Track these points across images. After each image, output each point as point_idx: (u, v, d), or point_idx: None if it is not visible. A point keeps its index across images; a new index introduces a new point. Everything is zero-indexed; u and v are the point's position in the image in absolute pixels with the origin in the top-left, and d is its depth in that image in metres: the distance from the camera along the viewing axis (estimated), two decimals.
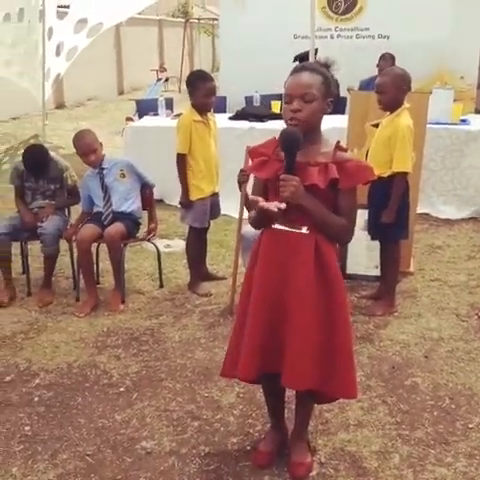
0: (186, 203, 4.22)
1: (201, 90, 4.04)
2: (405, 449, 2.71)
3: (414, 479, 2.53)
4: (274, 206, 2.15)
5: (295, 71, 2.26)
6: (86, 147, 4.16)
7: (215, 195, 4.33)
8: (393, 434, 2.81)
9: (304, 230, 2.28)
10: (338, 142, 2.32)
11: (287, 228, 2.30)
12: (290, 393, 2.94)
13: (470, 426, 2.87)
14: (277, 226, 2.31)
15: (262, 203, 2.20)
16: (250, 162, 2.45)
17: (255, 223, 2.42)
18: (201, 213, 4.25)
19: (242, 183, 3.74)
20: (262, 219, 2.32)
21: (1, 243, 4.20)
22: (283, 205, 2.16)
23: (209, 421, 2.92)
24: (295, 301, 2.31)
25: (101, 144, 4.27)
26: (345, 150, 2.32)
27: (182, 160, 4.15)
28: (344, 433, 2.81)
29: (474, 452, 2.69)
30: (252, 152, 2.41)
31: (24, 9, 7.16)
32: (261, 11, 8.56)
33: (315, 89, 2.20)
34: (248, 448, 2.72)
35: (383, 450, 2.70)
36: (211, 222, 4.48)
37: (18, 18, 7.21)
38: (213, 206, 4.33)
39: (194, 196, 4.19)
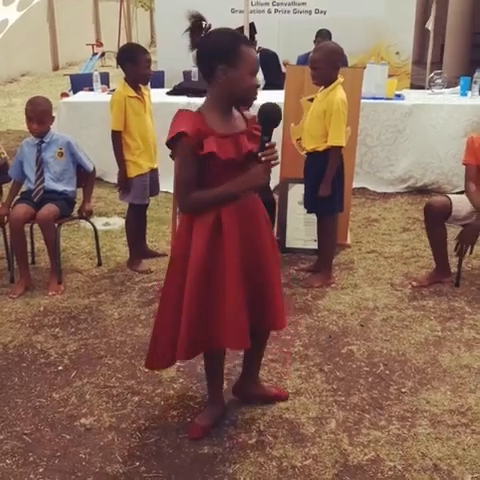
0: (124, 181, 4.16)
1: (139, 62, 3.95)
2: (341, 414, 2.79)
3: (349, 442, 2.61)
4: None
5: (248, 44, 2.35)
6: (33, 113, 4.00)
7: (154, 171, 4.28)
8: (329, 400, 2.89)
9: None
10: None
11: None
12: (229, 364, 2.99)
13: (403, 390, 2.97)
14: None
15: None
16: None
17: (221, 200, 2.37)
18: (140, 190, 4.19)
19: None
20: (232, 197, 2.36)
21: None
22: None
23: (149, 395, 2.93)
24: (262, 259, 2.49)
25: (53, 118, 4.14)
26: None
27: (117, 137, 4.07)
28: (282, 401, 2.87)
29: (406, 415, 2.79)
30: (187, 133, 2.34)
31: None
32: None
33: None
34: (188, 420, 2.75)
35: (320, 416, 2.78)
36: (151, 199, 4.42)
37: None
38: (152, 183, 4.27)
39: (132, 173, 4.13)
